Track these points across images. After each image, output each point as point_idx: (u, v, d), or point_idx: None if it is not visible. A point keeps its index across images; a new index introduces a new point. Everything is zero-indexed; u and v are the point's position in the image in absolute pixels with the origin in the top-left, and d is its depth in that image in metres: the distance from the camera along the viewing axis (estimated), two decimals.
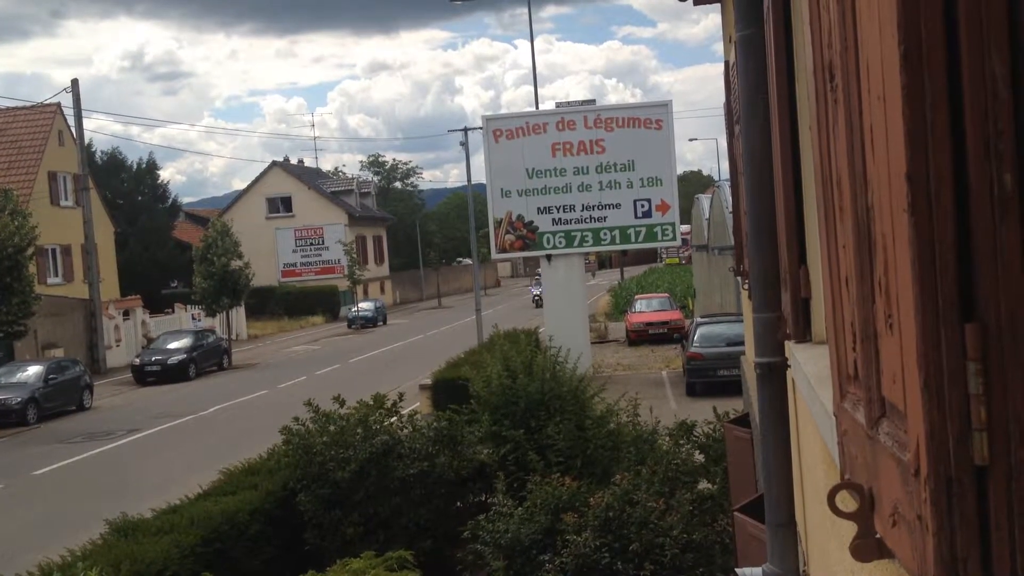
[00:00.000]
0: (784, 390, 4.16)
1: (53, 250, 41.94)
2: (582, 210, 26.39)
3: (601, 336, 36.29)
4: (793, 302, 3.73)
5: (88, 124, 41.51)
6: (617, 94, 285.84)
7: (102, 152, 57.21)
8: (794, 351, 3.75)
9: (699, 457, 11.07)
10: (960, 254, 1.29)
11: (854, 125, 1.79)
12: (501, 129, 26.72)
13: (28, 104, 44.36)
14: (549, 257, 26.79)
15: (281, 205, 67.96)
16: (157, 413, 26.67)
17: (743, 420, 8.52)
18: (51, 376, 28.04)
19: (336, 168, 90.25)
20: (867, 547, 1.67)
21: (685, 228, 37.74)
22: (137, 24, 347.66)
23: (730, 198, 12.35)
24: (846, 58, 1.83)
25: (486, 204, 27.65)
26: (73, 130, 41.29)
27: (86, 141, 41.45)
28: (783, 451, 4.15)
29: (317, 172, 78.12)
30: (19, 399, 26.54)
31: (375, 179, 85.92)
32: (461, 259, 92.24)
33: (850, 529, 1.72)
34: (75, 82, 39.31)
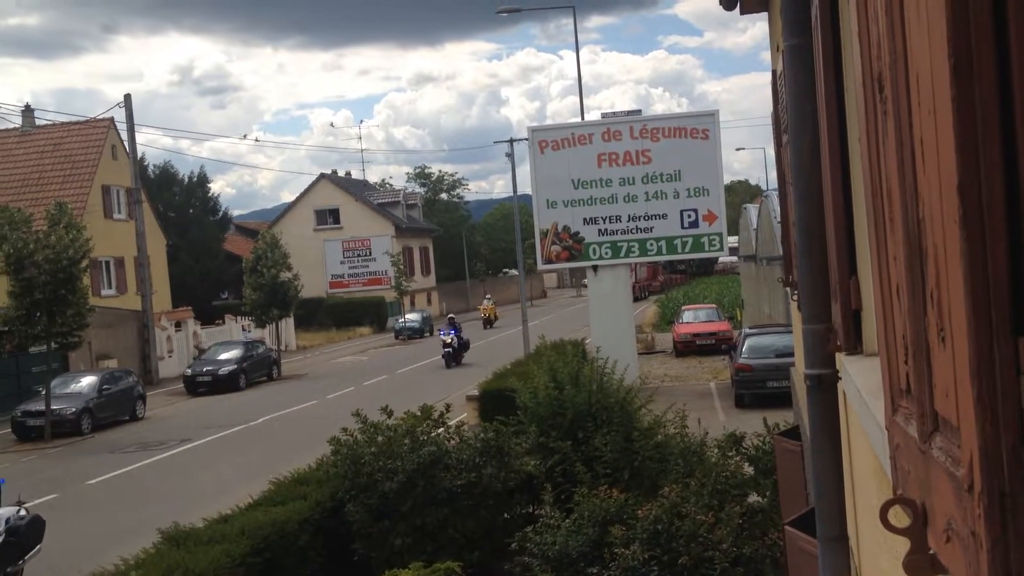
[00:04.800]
0: (835, 403, 4.12)
1: (107, 262, 42.65)
2: (628, 220, 26.30)
3: (648, 347, 36.12)
4: (843, 314, 3.70)
5: (140, 138, 42.26)
6: (663, 104, 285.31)
7: (154, 166, 58.20)
8: (845, 363, 3.71)
9: (748, 470, 10.96)
10: (1013, 267, 1.28)
11: (904, 136, 1.77)
12: (547, 140, 26.74)
13: (82, 119, 45.21)
14: (595, 268, 26.74)
15: (329, 217, 68.56)
16: (208, 423, 26.98)
17: (793, 432, 8.43)
18: (105, 387, 28.48)
19: (383, 180, 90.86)
20: (920, 563, 1.65)
21: (732, 239, 37.44)
22: (186, 39, 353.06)
23: (778, 208, 12.24)
24: (895, 69, 1.82)
25: (532, 215, 27.67)
26: (126, 144, 42.01)
27: (138, 155, 42.16)
28: (834, 464, 4.11)
29: (364, 184, 78.71)
30: (74, 409, 26.98)
31: (421, 191, 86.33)
32: (507, 270, 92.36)
33: (903, 544, 1.71)
34: (128, 97, 40.03)
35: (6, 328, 26.69)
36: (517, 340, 36.64)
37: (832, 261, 3.89)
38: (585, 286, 66.50)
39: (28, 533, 11.82)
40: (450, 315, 40.39)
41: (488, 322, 56.91)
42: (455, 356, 36.46)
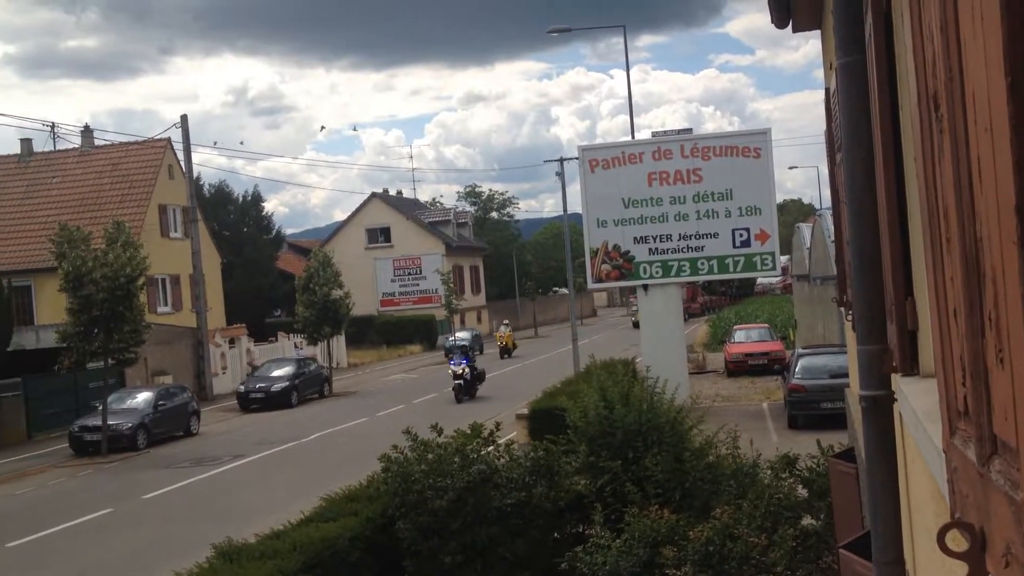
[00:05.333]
0: (891, 424, 4.06)
1: (163, 280, 43.35)
2: (679, 239, 26.19)
3: (699, 367, 35.86)
4: (899, 334, 3.65)
5: (195, 158, 42.86)
6: (715, 122, 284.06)
7: (210, 185, 59.12)
8: (901, 384, 3.66)
9: (802, 492, 10.82)
10: None
11: (960, 155, 1.76)
12: (597, 159, 26.74)
13: (140, 139, 46.09)
14: (646, 287, 26.64)
15: (380, 235, 69.12)
16: (260, 439, 27.24)
17: (848, 454, 8.32)
18: (160, 402, 28.89)
19: (434, 199, 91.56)
20: None
21: (783, 258, 37.14)
22: (241, 60, 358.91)
23: (832, 227, 12.12)
24: (951, 87, 1.80)
25: (582, 234, 27.67)
26: (182, 164, 42.73)
27: (194, 174, 42.85)
28: (890, 487, 4.05)
29: (415, 203, 79.30)
30: (130, 425, 27.39)
31: (472, 209, 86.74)
32: (557, 289, 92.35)
33: (961, 569, 1.68)
34: (184, 118, 40.73)
35: (64, 344, 27.20)
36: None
37: (887, 281, 3.85)
38: (631, 304, 66.31)
39: None
40: (461, 342, 36.12)
41: (505, 351, 51.07)
42: (467, 389, 32.35)
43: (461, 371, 32.20)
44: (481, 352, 56.53)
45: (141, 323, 27.37)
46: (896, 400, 3.94)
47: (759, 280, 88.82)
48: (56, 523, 18.16)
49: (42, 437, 30.82)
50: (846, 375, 13.43)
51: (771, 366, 32.15)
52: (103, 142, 47.23)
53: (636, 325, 60.00)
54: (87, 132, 46.48)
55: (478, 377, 33.06)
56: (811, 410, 22.06)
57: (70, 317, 26.37)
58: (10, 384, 30.67)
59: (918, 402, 3.10)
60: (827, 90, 7.55)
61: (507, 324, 55.15)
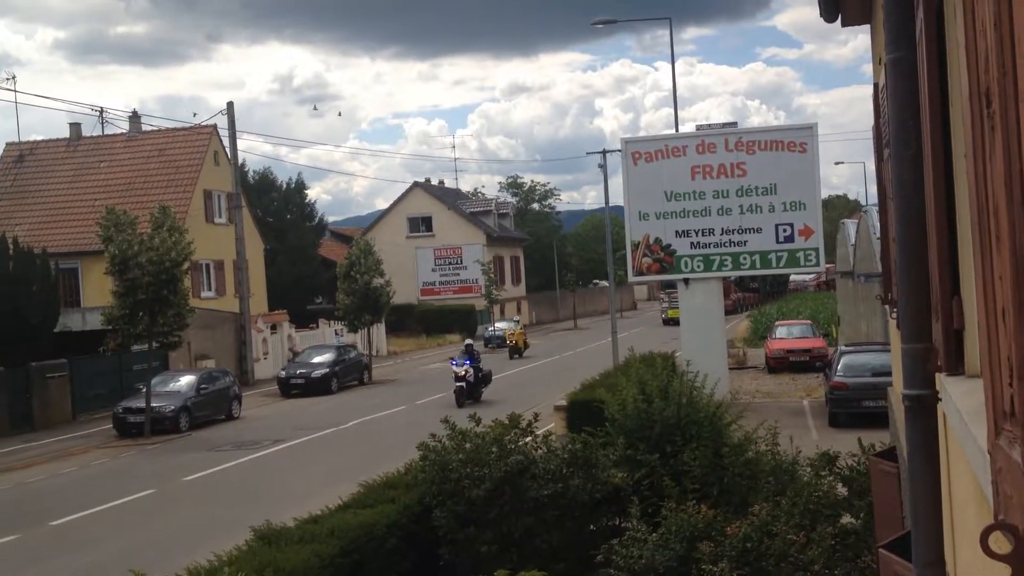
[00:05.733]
0: (934, 424, 4.02)
1: (207, 265, 43.82)
2: (721, 234, 26.03)
3: (739, 362, 35.64)
4: (945, 333, 3.61)
5: (240, 144, 43.46)
6: (760, 116, 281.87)
7: (254, 172, 59.70)
8: (945, 384, 3.62)
9: (842, 490, 10.73)
10: None
11: (1012, 152, 1.73)
12: (640, 151, 26.63)
13: (186, 125, 46.59)
14: (687, 281, 26.52)
15: (422, 225, 69.39)
16: (300, 425, 27.48)
17: (889, 453, 8.24)
18: (203, 386, 29.24)
19: (475, 189, 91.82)
20: None
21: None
22: (287, 48, 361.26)
23: (878, 224, 11.97)
24: (1004, 83, 1.78)
25: (623, 226, 27.57)
26: (227, 151, 43.14)
27: (239, 161, 43.25)
28: (932, 487, 4.00)
29: (457, 193, 79.51)
30: (172, 407, 27.76)
31: (513, 200, 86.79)
32: (597, 281, 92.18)
33: (1003, 571, 1.66)
34: (230, 105, 41.13)
35: (110, 327, 27.59)
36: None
37: (934, 279, 3.81)
38: (661, 299, 65.88)
39: None
40: (467, 341, 33.13)
41: (515, 351, 46.45)
42: (470, 391, 29.46)
43: (464, 372, 29.44)
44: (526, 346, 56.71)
45: (185, 307, 27.67)
46: (940, 400, 3.90)
47: (792, 277, 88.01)
48: (99, 503, 18.45)
49: (86, 418, 31.32)
50: (889, 373, 13.29)
51: (813, 363, 31.88)
52: (150, 127, 47.82)
53: (666, 322, 59.56)
54: (135, 117, 47.09)
55: (483, 379, 30.45)
56: (852, 408, 21.88)
57: (116, 300, 26.73)
58: (57, 365, 31.19)
59: (963, 402, 3.06)
60: (876, 85, 7.46)
61: (517, 320, 51.51)
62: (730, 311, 74.61)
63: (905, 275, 4.04)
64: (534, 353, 47.14)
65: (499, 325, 56.40)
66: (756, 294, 79.78)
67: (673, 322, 55.50)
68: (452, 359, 30.87)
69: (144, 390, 27.30)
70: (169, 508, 18.01)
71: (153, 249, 26.37)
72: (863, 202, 68.77)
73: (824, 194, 42.87)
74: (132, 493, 19.22)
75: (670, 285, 56.65)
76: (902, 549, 5.07)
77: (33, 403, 30.14)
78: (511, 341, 46.74)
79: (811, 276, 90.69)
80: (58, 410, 30.94)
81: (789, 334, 36.25)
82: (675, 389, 12.88)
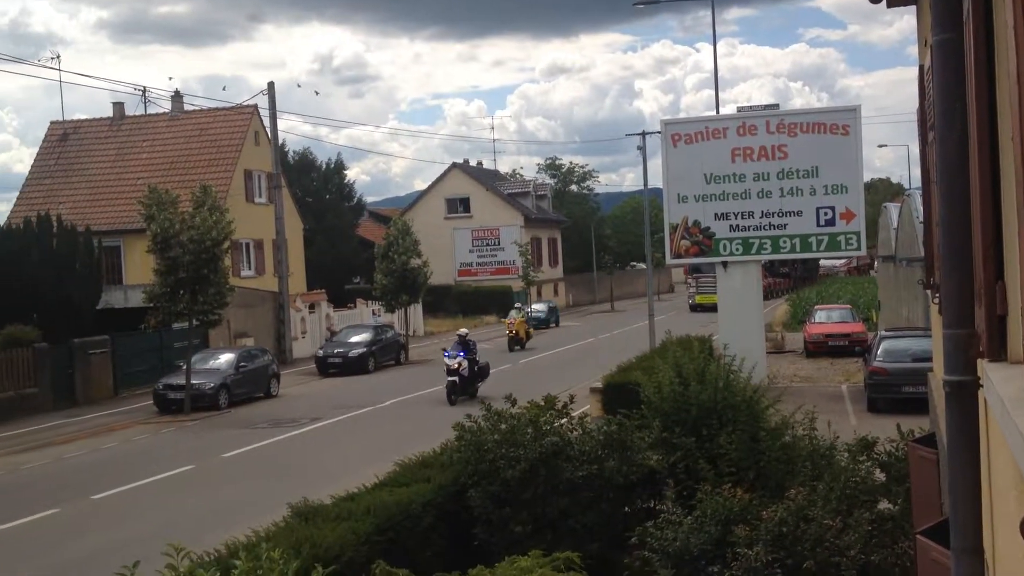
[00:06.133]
0: (975, 410, 3.98)
1: (247, 244, 44.19)
2: (761, 217, 25.83)
3: (777, 346, 35.41)
4: (988, 319, 3.57)
5: (280, 125, 43.73)
6: (802, 98, 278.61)
7: (294, 152, 60.01)
8: (987, 370, 3.58)
9: (880, 476, 10.65)
10: None
11: None
12: (680, 133, 26.46)
13: (228, 106, 46.90)
14: (725, 264, 26.36)
15: (460, 206, 69.47)
16: (337, 403, 27.70)
17: (929, 440, 8.16)
18: (242, 364, 29.55)
19: (513, 170, 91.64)
20: None
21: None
22: (328, 28, 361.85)
23: (921, 207, 11.82)
24: None
25: (662, 209, 27.43)
26: (268, 131, 43.39)
27: (279, 141, 43.49)
28: (972, 474, 3.97)
29: (495, 174, 79.48)
30: (212, 384, 28.08)
31: (551, 182, 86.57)
32: (635, 264, 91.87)
33: None
34: (271, 85, 41.36)
35: (151, 304, 27.93)
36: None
37: (977, 264, 3.76)
38: (688, 284, 65.33)
39: None
40: (461, 331, 29.82)
41: (516, 341, 42.09)
42: (463, 386, 26.73)
43: (457, 365, 26.55)
44: (557, 324, 56.46)
45: (225, 286, 27.93)
46: (981, 386, 3.86)
47: (822, 262, 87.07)
48: (140, 477, 18.74)
49: (128, 394, 31.78)
50: (929, 359, 13.15)
51: (852, 348, 31.63)
52: (192, 107, 48.23)
53: (693, 308, 58.80)
54: (177, 97, 47.49)
55: (480, 373, 27.76)
56: (892, 393, 21.69)
57: (157, 278, 27.04)
58: (99, 341, 31.64)
59: (1005, 389, 3.03)
60: (921, 67, 7.35)
61: (518, 307, 47.15)
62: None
63: (948, 259, 3.99)
64: (537, 344, 43.49)
65: (536, 306, 56.29)
66: (787, 279, 79.04)
67: (701, 308, 54.59)
68: (445, 350, 27.74)
69: (184, 367, 27.64)
70: (208, 484, 18.24)
71: (194, 228, 26.62)
72: (906, 185, 67.90)
73: (867, 177, 42.18)
74: (172, 469, 19.49)
75: (697, 269, 55.79)
76: (940, 536, 5.03)
77: (76, 379, 30.61)
78: (510, 331, 42.35)
79: (841, 261, 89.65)
80: (100, 386, 31.42)
81: (828, 318, 36.00)
82: (712, 372, 12.83)
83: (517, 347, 41.66)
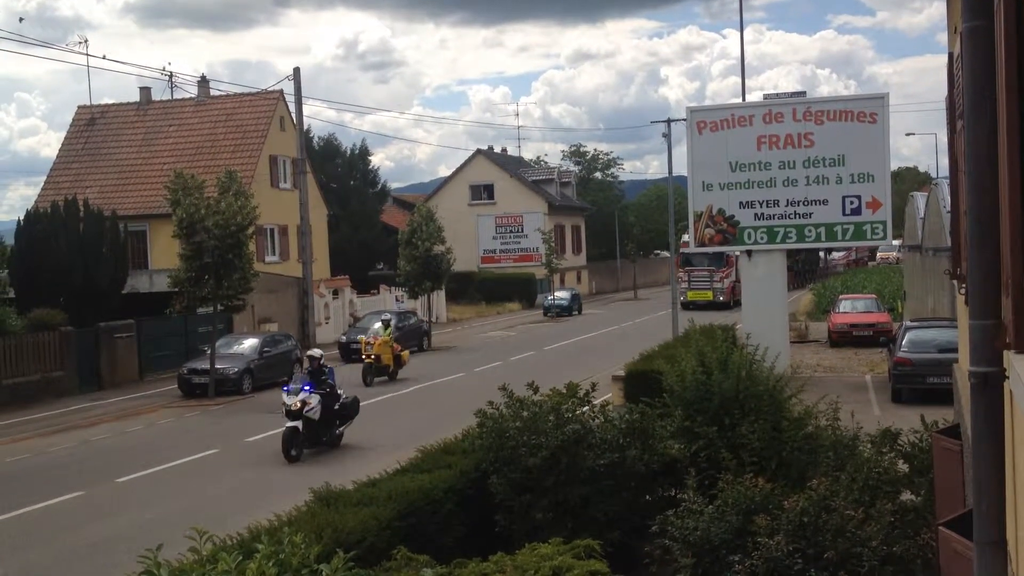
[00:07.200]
0: (1000, 402, 3.94)
1: (271, 230, 44.38)
2: (786, 205, 25.68)
3: (801, 336, 35.25)
4: (1015, 310, 3.53)
5: (306, 110, 43.76)
6: (830, 85, 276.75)
7: (319, 138, 60.13)
8: (1014, 362, 3.54)
9: (903, 467, 10.59)
10: None
11: None
12: (705, 121, 26.31)
13: (253, 91, 47.02)
14: (749, 253, 26.23)
15: (483, 192, 69.48)
16: (360, 389, 27.74)
17: (953, 431, 8.11)
18: (266, 349, 29.71)
19: (538, 157, 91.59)
20: None
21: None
22: (353, 14, 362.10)
23: (948, 197, 11.72)
24: None
25: (686, 197, 27.32)
26: (293, 116, 43.49)
27: (304, 127, 43.57)
28: (996, 466, 3.93)
29: (519, 161, 79.42)
30: (236, 369, 28.24)
31: (575, 169, 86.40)
32: (659, 252, 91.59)
33: None
34: (297, 71, 41.32)
35: (176, 289, 28.10)
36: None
37: (1005, 255, 3.72)
38: (680, 279, 64.25)
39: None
40: (311, 352, 20.53)
41: (380, 370, 28.89)
42: (312, 435, 18.83)
43: (299, 405, 18.43)
44: (580, 312, 56.23)
45: (249, 271, 28.06)
46: (1007, 377, 3.82)
47: (833, 254, 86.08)
48: (164, 461, 18.89)
49: (153, 378, 32.02)
50: (955, 350, 13.06)
51: (876, 338, 31.44)
52: (218, 92, 48.36)
53: (685, 306, 52.83)
54: (203, 82, 47.64)
55: (340, 413, 19.61)
56: (916, 384, 21.59)
57: (182, 263, 27.19)
58: (124, 326, 31.88)
59: None
60: (950, 55, 7.27)
61: (387, 318, 31.40)
62: None
63: (976, 249, 3.95)
64: (413, 374, 29.93)
65: (559, 294, 56.20)
66: (790, 272, 78.51)
67: (693, 305, 51.13)
68: (284, 385, 19.83)
69: (209, 352, 27.80)
70: (232, 468, 18.36)
71: (219, 213, 26.73)
72: (934, 174, 67.28)
73: (894, 166, 41.73)
74: (195, 453, 19.64)
75: (688, 263, 53.25)
76: (963, 528, 5.00)
77: (101, 363, 30.87)
78: (369, 355, 28.76)
79: (840, 254, 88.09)
80: (125, 370, 31.67)
81: (853, 308, 35.82)
82: (735, 361, 12.77)
83: (382, 377, 28.89)
